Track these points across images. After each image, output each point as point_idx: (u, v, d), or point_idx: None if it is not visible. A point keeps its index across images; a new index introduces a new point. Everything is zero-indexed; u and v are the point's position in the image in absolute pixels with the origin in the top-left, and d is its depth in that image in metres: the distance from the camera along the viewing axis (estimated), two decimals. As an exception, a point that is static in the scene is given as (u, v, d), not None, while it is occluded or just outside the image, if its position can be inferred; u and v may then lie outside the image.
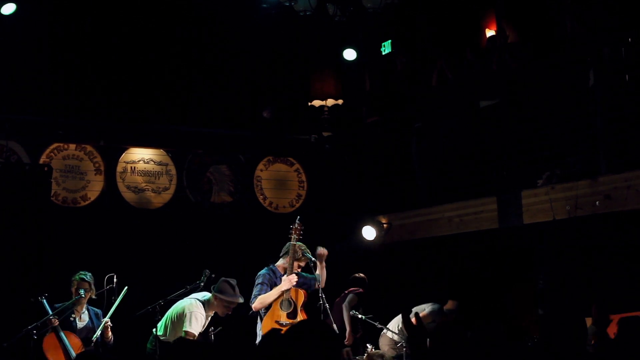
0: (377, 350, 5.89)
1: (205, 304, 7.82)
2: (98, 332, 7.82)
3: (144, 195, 10.53)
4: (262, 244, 8.31)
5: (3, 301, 7.77)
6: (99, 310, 8.03)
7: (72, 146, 10.22)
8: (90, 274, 7.98)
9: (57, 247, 8.77)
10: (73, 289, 7.93)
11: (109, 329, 7.90)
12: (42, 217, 8.52)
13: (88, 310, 8.08)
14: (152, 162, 10.67)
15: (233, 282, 7.86)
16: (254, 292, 7.89)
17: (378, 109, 11.73)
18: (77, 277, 7.96)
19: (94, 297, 8.01)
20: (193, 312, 7.70)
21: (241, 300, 7.83)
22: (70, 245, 8.94)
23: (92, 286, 7.97)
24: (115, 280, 7.71)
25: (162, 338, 7.77)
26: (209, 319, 7.89)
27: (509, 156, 9.27)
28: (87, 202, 10.19)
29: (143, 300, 7.98)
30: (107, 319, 7.82)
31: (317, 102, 11.72)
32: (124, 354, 8.29)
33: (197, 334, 7.69)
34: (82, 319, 7.99)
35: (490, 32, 10.78)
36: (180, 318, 7.74)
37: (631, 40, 8.35)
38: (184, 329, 7.64)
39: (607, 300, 7.96)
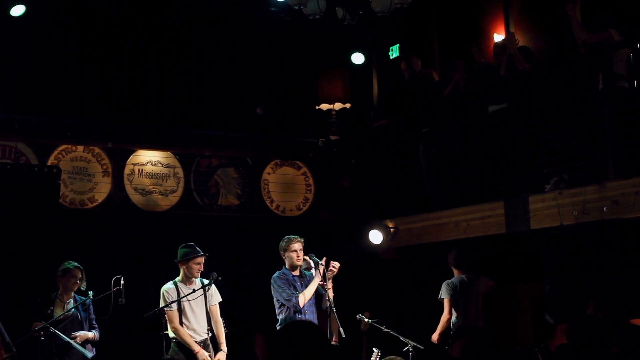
0: (391, 357, 5.86)
1: (177, 280, 8.02)
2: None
3: (152, 198, 10.55)
4: (269, 247, 8.30)
5: (11, 301, 7.76)
6: (87, 300, 7.94)
7: (80, 148, 10.25)
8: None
9: (65, 249, 8.78)
10: (65, 279, 7.96)
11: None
12: (50, 219, 8.53)
13: (75, 299, 8.02)
14: (160, 165, 10.69)
15: (190, 243, 8.02)
16: (281, 294, 7.93)
17: (386, 113, 11.74)
18: (70, 265, 8.00)
19: (82, 288, 8.05)
20: (161, 292, 7.95)
21: (203, 253, 8.02)
22: (77, 247, 8.95)
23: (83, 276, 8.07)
24: (122, 282, 7.69)
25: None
26: (192, 288, 7.97)
27: (517, 161, 9.24)
28: (94, 204, 10.22)
29: (150, 303, 7.99)
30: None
31: (324, 106, 11.71)
32: (131, 355, 8.28)
33: (171, 308, 7.82)
34: (65, 309, 7.89)
35: (499, 37, 10.77)
36: None
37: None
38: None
39: (608, 299, 7.82)
